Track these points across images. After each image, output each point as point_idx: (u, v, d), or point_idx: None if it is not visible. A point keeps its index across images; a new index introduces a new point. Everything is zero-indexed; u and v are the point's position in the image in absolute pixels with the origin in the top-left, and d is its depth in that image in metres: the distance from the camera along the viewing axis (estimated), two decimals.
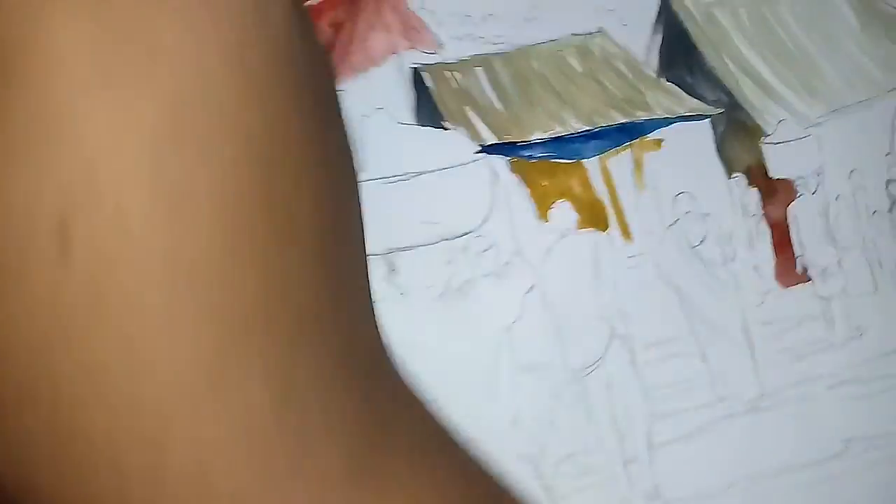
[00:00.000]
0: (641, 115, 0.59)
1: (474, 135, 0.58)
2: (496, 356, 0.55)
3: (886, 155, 0.59)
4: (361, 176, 0.60)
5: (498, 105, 0.58)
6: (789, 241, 0.58)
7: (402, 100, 0.58)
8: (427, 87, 0.58)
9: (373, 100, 0.58)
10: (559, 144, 0.58)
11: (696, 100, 0.59)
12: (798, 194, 0.59)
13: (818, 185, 0.59)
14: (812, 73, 0.60)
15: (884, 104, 0.60)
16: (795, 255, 0.58)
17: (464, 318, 0.56)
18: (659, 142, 0.58)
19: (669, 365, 0.56)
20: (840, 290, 0.57)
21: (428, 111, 0.58)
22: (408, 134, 0.57)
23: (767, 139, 0.59)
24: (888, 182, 0.59)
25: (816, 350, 0.56)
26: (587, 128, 0.58)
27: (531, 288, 0.57)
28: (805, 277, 0.57)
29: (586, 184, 0.58)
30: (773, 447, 0.54)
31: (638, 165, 0.58)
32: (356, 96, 0.58)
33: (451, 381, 0.54)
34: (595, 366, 0.55)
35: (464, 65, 0.58)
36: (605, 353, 0.56)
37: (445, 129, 0.58)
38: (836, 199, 0.59)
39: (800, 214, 0.58)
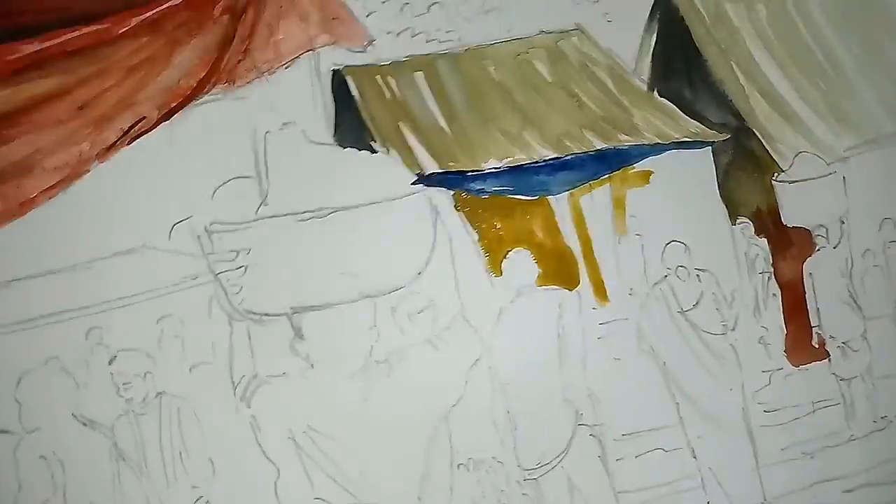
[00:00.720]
0: (626, 140, 0.48)
1: (410, 161, 0.47)
2: (429, 450, 0.44)
3: None
4: (263, 210, 0.44)
5: (442, 122, 0.47)
6: (804, 306, 0.48)
7: (319, 112, 0.46)
8: (352, 97, 0.46)
9: (280, 111, 0.47)
10: (519, 176, 0.47)
11: (695, 122, 0.48)
12: (817, 247, 0.49)
13: (842, 237, 0.49)
14: (844, 91, 0.50)
15: None
16: (811, 325, 0.48)
17: (390, 400, 0.45)
18: (647, 175, 0.48)
19: (650, 462, 0.46)
20: (864, 370, 0.47)
21: (352, 127, 0.47)
22: (324, 157, 0.46)
23: (782, 176, 0.49)
24: None
25: (832, 445, 0.47)
26: (555, 155, 0.47)
27: (477, 361, 0.47)
28: (822, 353, 0.48)
29: (552, 228, 0.47)
30: None
31: (619, 205, 0.48)
32: (258, 106, 0.46)
33: (373, 481, 0.44)
34: (555, 462, 0.45)
35: (400, 68, 0.47)
36: (568, 445, 0.45)
37: (373, 151, 0.46)
38: (864, 254, 0.49)
39: (818, 273, 0.48)
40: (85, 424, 0.44)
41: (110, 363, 0.44)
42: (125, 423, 0.44)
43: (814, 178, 0.51)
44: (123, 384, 0.44)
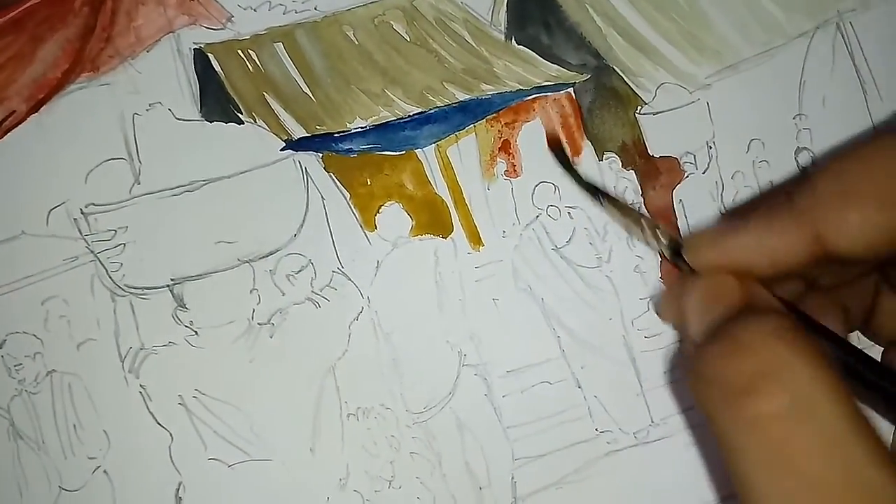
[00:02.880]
0: (488, 90, 0.50)
1: (277, 128, 0.50)
2: (318, 403, 0.47)
3: (795, 117, 0.51)
4: (136, 189, 0.48)
5: (306, 89, 0.50)
6: (677, 231, 0.50)
7: (184, 90, 0.49)
8: (215, 73, 0.50)
9: (146, 93, 0.50)
10: (385, 133, 0.50)
11: (555, 65, 0.51)
12: (685, 174, 0.51)
13: (710, 162, 0.51)
14: (699, 21, 0.52)
15: (789, 54, 0.52)
16: None
17: (275, 359, 0.48)
18: (512, 122, 0.50)
19: (535, 396, 0.48)
20: None
21: (217, 102, 0.50)
22: (192, 133, 0.49)
23: (645, 109, 0.51)
24: (797, 151, 0.51)
25: None
26: (419, 109, 0.50)
27: (359, 314, 0.49)
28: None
29: (421, 180, 0.50)
30: (668, 488, 0.46)
31: (486, 152, 0.50)
32: (124, 90, 0.49)
33: (264, 437, 0.47)
34: (442, 404, 0.47)
35: (259, 40, 0.50)
36: (454, 387, 0.48)
37: (241, 122, 0.49)
38: (733, 176, 0.51)
39: (688, 198, 0.51)
40: None
41: (0, 347, 0.48)
42: (20, 403, 0.47)
43: (677, 108, 0.54)
44: (14, 366, 0.47)
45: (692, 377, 0.28)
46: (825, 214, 0.29)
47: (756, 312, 0.28)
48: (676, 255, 0.38)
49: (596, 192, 0.45)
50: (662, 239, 0.41)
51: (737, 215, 0.36)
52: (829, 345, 0.32)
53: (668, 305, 0.38)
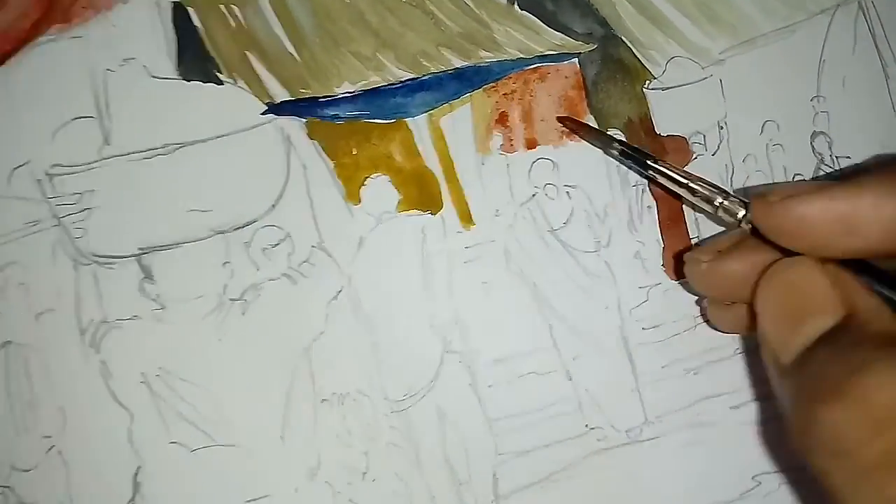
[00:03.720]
0: (486, 57, 0.48)
1: (259, 90, 0.47)
2: (291, 387, 0.44)
3: (812, 99, 0.48)
4: (105, 150, 0.44)
5: (291, 48, 0.47)
6: (682, 218, 0.48)
7: (160, 46, 0.47)
8: (194, 28, 0.47)
9: (120, 48, 0.47)
10: (374, 99, 0.47)
11: (559, 33, 0.48)
12: (694, 155, 0.49)
13: (720, 143, 0.48)
14: None
15: (809, 32, 0.49)
16: (689, 237, 0.47)
17: (246, 338, 0.45)
18: (510, 92, 0.47)
19: (523, 387, 0.46)
20: None
21: (196, 60, 0.47)
22: (168, 92, 0.47)
23: (654, 83, 0.48)
24: (813, 135, 0.48)
25: (716, 360, 0.46)
26: (412, 75, 0.47)
27: (338, 293, 0.46)
28: None
29: (411, 151, 0.47)
30: (662, 489, 0.44)
31: (481, 124, 0.47)
32: (96, 44, 0.46)
33: (231, 421, 0.44)
34: (423, 392, 0.45)
35: None
36: (436, 374, 0.45)
37: (220, 83, 0.47)
38: (745, 159, 0.49)
39: None
40: None
41: None
42: None
43: (688, 84, 0.51)
44: None
45: (801, 436, 0.26)
46: None
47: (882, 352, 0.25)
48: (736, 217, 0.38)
49: (641, 155, 0.43)
50: (726, 201, 0.40)
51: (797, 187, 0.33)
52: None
53: (726, 273, 0.36)
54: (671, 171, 0.42)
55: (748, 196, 0.39)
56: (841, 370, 0.25)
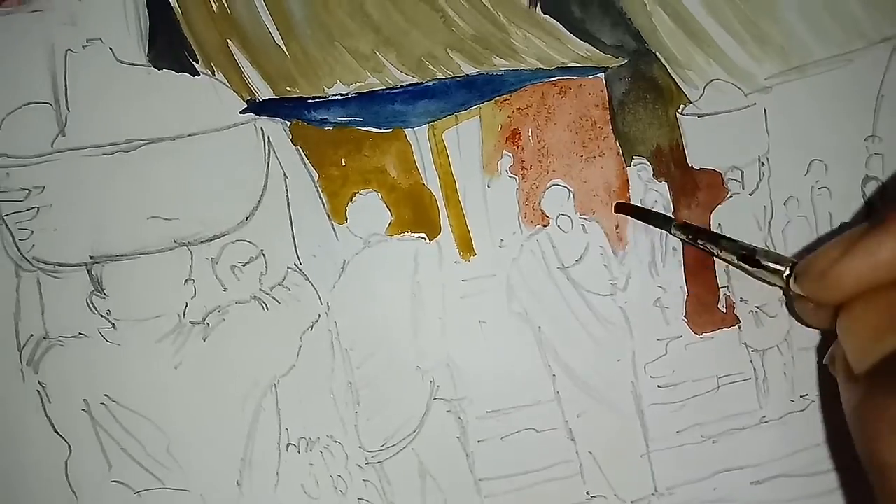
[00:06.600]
0: (501, 64, 0.43)
1: (239, 84, 0.43)
2: (253, 427, 0.40)
3: (866, 139, 0.44)
4: (60, 142, 0.39)
5: (279, 40, 0.42)
6: (711, 263, 0.43)
7: (130, 27, 0.42)
8: (170, 9, 0.42)
9: (84, 26, 0.42)
10: (370, 104, 0.42)
11: (585, 43, 0.44)
12: (728, 193, 0.44)
13: (760, 181, 0.44)
14: (766, 10, 0.45)
15: (868, 62, 0.45)
16: (718, 286, 0.43)
17: (206, 367, 0.41)
18: (525, 107, 0.43)
19: (518, 445, 0.42)
20: (781, 340, 0.43)
21: (170, 45, 0.43)
22: (135, 80, 0.42)
23: (689, 108, 0.44)
24: (865, 180, 0.44)
25: (739, 428, 0.42)
26: (415, 80, 0.43)
27: (314, 324, 0.42)
28: (731, 319, 0.43)
29: (408, 166, 0.43)
30: None
31: (490, 141, 0.43)
32: (58, 20, 0.42)
33: (183, 462, 0.40)
34: (405, 443, 0.41)
35: None
36: (420, 423, 0.41)
37: (195, 73, 0.42)
38: (786, 202, 0.44)
39: (729, 223, 0.44)
40: None
41: None
42: None
43: (728, 112, 0.46)
44: None
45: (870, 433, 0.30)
46: None
47: None
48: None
49: (696, 232, 0.41)
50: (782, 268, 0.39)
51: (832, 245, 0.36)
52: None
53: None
54: (739, 261, 0.40)
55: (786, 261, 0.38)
56: None
